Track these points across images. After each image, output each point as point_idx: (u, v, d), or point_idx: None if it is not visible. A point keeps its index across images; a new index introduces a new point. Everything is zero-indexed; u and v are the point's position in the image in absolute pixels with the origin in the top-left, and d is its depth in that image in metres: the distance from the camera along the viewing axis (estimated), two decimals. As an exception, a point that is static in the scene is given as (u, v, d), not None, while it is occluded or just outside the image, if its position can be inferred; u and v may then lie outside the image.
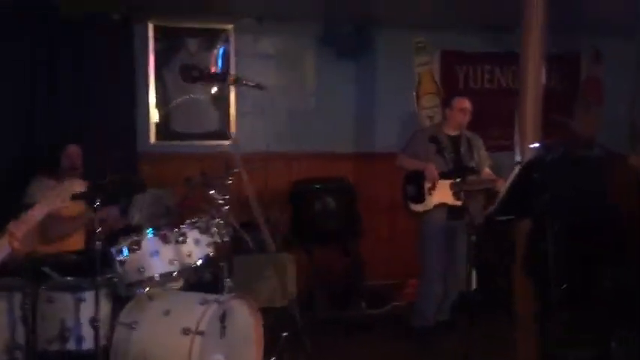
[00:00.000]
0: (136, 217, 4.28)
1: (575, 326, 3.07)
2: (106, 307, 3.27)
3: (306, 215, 5.36)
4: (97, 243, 2.98)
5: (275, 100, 5.59)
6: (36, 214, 2.44)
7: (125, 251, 3.18)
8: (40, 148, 4.56)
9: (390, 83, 5.77)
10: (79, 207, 3.69)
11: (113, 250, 3.20)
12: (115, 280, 3.21)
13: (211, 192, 3.89)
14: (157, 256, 3.22)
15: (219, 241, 3.64)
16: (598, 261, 3.21)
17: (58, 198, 2.47)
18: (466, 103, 4.40)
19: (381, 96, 5.79)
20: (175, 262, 3.30)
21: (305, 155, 5.65)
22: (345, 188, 5.45)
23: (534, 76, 2.97)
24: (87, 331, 3.13)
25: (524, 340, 2.98)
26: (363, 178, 5.68)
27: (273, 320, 5.01)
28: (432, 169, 4.30)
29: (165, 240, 3.27)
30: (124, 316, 3.27)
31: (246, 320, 3.43)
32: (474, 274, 5.18)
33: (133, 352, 3.13)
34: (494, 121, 5.83)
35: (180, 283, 3.73)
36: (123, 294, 3.24)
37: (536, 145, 2.76)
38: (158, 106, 5.27)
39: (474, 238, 4.88)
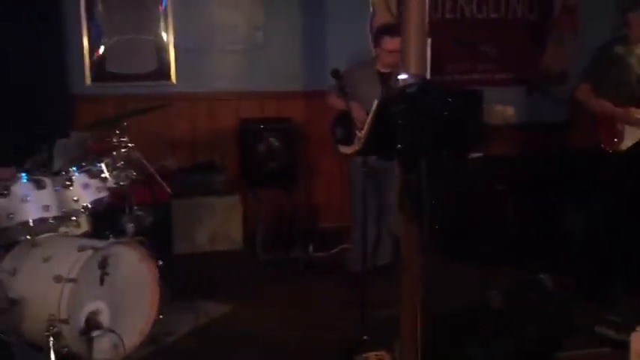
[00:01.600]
0: (57, 163, 4.17)
1: (456, 273, 2.86)
2: (-15, 254, 3.20)
3: (251, 156, 5.18)
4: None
5: (218, 37, 5.35)
6: None
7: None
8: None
9: (342, 15, 5.43)
10: None
11: (-20, 196, 3.08)
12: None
13: (117, 134, 3.78)
14: (28, 201, 3.09)
15: (114, 185, 3.53)
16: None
17: None
18: (393, 45, 3.91)
19: (333, 29, 5.46)
20: (51, 207, 3.17)
21: (253, 94, 5.42)
22: (290, 128, 5.23)
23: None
24: (-39, 279, 3.07)
25: (408, 288, 2.78)
26: (314, 117, 5.43)
27: (214, 263, 4.99)
28: (358, 111, 3.96)
29: (39, 185, 3.13)
30: (6, 263, 3.21)
31: (134, 267, 3.31)
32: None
33: (10, 299, 3.06)
34: (459, 53, 5.48)
35: (81, 229, 3.63)
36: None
37: (405, 76, 2.48)
38: (91, 46, 5.06)
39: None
